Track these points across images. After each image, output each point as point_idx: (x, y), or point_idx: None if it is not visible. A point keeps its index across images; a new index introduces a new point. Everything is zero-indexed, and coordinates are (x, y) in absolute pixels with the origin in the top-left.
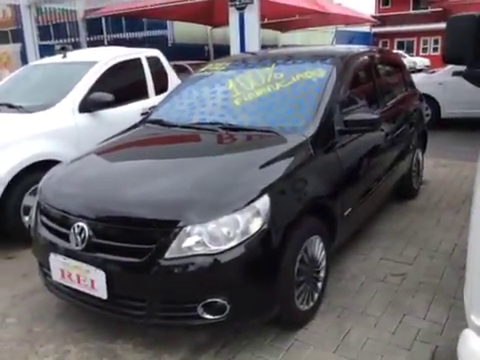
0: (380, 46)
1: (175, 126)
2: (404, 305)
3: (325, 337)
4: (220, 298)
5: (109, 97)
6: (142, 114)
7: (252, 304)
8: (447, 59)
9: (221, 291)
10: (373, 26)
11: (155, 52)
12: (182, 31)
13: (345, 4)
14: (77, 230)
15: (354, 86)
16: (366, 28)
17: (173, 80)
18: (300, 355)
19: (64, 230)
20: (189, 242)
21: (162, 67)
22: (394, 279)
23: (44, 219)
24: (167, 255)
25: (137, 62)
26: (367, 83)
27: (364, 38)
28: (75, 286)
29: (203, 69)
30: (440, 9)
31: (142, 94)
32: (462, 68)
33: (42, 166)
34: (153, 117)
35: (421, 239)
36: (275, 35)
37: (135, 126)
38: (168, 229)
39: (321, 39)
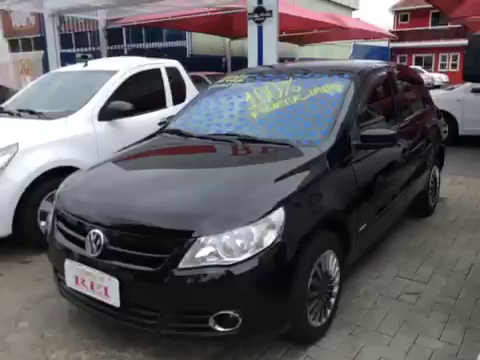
0: (398, 61)
1: (192, 136)
2: (418, 325)
3: (337, 355)
4: (232, 311)
5: (128, 106)
6: (160, 123)
7: (264, 318)
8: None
9: (233, 303)
10: (391, 41)
11: (174, 63)
12: (200, 42)
13: (363, 19)
14: (93, 237)
15: (372, 101)
16: (384, 43)
17: (191, 91)
18: None
19: (80, 237)
20: (203, 253)
21: (180, 78)
22: (408, 298)
23: (60, 225)
24: (181, 265)
25: (156, 72)
26: (385, 98)
27: (382, 53)
28: (88, 293)
29: (221, 81)
30: (459, 26)
31: (160, 104)
32: None
33: (60, 172)
34: (171, 127)
35: (437, 257)
36: (293, 48)
37: (153, 135)
38: (182, 239)
39: (339, 53)
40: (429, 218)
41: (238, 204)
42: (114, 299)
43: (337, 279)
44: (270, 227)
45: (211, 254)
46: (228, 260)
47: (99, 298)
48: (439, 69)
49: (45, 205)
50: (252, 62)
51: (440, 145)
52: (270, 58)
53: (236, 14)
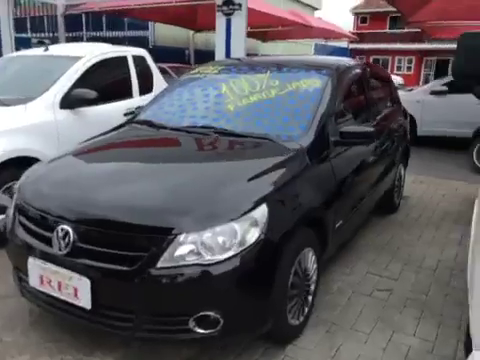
0: None
1: (165, 128)
2: (393, 321)
3: (316, 353)
4: (213, 311)
5: (92, 94)
6: (125, 114)
7: (246, 318)
8: (456, 76)
9: (215, 304)
10: (351, 42)
11: (141, 51)
12: (164, 33)
13: (325, 19)
14: (61, 233)
15: (347, 98)
16: (344, 44)
17: (158, 81)
18: None
19: (46, 233)
20: (183, 251)
21: (148, 67)
22: (381, 294)
23: (23, 220)
24: (159, 264)
25: (123, 60)
26: (359, 96)
27: (342, 53)
28: (55, 294)
29: (194, 71)
30: (415, 30)
31: (126, 93)
32: (441, 88)
33: (19, 163)
34: (141, 117)
35: (404, 254)
36: (256, 44)
37: (121, 126)
38: (161, 236)
39: (301, 51)
40: (394, 215)
41: (220, 200)
42: (85, 301)
43: (314, 277)
44: (253, 224)
45: (191, 252)
46: (210, 259)
47: (67, 299)
48: (395, 71)
49: (1, 198)
50: (219, 55)
51: (406, 144)
52: (238, 52)
53: (201, 6)
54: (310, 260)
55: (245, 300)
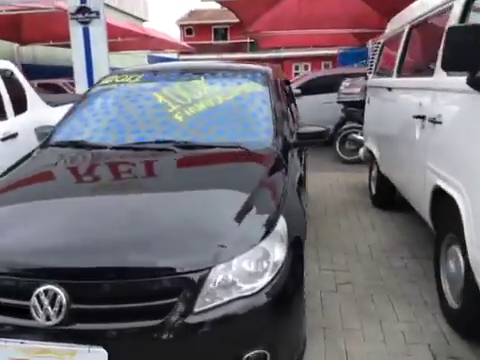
0: None
1: (103, 147)
2: (372, 312)
3: None
4: (261, 348)
5: None
6: (3, 139)
7: (288, 344)
8: (448, 67)
9: (262, 338)
10: (180, 53)
11: (8, 64)
12: None
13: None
14: (45, 297)
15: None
16: (174, 55)
17: (32, 98)
18: None
19: (17, 301)
20: (219, 286)
21: (17, 82)
22: (345, 288)
23: None
24: (196, 308)
25: None
26: (285, 99)
27: None
28: None
29: (105, 82)
30: (236, 41)
31: None
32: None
33: None
34: (60, 138)
35: (338, 245)
36: None
37: (34, 152)
38: (191, 275)
39: (135, 62)
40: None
41: (240, 222)
42: None
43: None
44: (279, 240)
45: (227, 286)
46: (249, 287)
47: None
48: None
49: None
50: (79, 69)
51: None
52: (101, 64)
53: (27, 16)
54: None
55: (287, 324)
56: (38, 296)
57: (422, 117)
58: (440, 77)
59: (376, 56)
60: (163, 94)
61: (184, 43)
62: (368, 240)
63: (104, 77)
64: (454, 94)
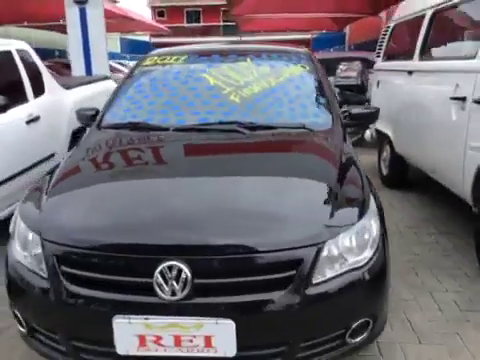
0: None
1: (165, 129)
2: (419, 284)
3: (398, 334)
4: (367, 316)
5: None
6: (27, 122)
7: (384, 312)
8: None
9: (368, 307)
10: (152, 36)
11: (24, 44)
12: None
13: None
14: (171, 274)
15: None
16: (146, 38)
17: (49, 81)
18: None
19: (140, 279)
20: (331, 260)
21: (35, 64)
22: None
23: (83, 274)
24: (314, 280)
25: (8, 56)
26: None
27: (144, 47)
28: (168, 353)
29: (147, 62)
30: (210, 24)
31: (20, 98)
32: None
33: None
34: (117, 120)
35: None
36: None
37: (90, 135)
38: (308, 249)
39: (110, 45)
40: None
41: (339, 200)
42: (225, 348)
43: None
44: (374, 216)
45: (338, 260)
46: (355, 261)
47: (192, 355)
48: None
49: None
50: (75, 52)
51: None
52: (99, 48)
53: None
54: None
55: (384, 293)
56: (162, 273)
57: (462, 98)
58: None
59: (385, 40)
60: (213, 75)
61: (162, 26)
62: (391, 218)
63: (145, 57)
64: None
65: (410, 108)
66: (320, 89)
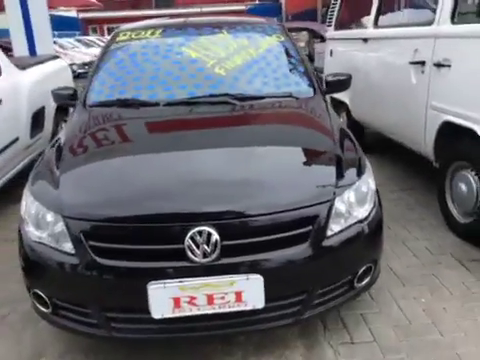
0: (90, 32)
1: (155, 105)
2: (393, 235)
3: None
4: (369, 262)
5: None
6: None
7: (380, 257)
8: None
9: (372, 254)
10: (79, 11)
11: None
12: None
13: None
14: (201, 238)
15: None
16: (73, 13)
17: (4, 62)
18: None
19: (172, 246)
20: (339, 214)
21: None
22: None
23: (113, 246)
24: (328, 233)
25: None
26: None
27: (71, 24)
28: (201, 312)
29: (122, 38)
30: None
31: None
32: None
33: None
34: (103, 98)
35: None
36: None
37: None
38: (321, 206)
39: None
40: None
41: (340, 159)
42: (255, 301)
43: None
44: (371, 173)
45: (345, 214)
46: (358, 214)
47: (224, 310)
48: None
49: None
50: (16, 29)
51: None
52: (42, 24)
53: None
54: None
55: (381, 240)
56: (192, 238)
57: (422, 63)
58: (446, 27)
59: (336, 10)
60: (193, 49)
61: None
62: None
63: (117, 32)
64: (463, 40)
65: (367, 74)
66: (298, 59)
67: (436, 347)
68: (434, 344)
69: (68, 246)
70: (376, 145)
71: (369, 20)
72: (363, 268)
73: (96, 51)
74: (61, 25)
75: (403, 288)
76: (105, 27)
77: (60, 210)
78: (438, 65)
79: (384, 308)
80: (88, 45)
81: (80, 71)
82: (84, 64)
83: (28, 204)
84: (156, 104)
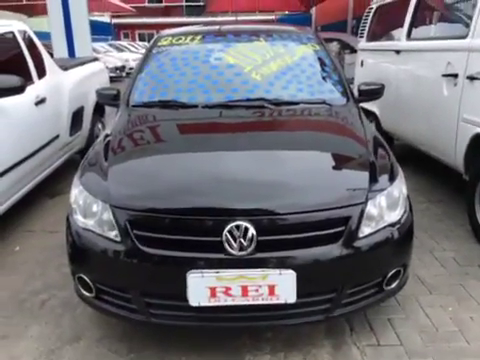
0: (122, 37)
1: (193, 107)
2: (419, 245)
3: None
4: (398, 266)
5: (15, 81)
6: (36, 104)
7: (409, 262)
8: None
9: (401, 258)
10: (113, 17)
11: (23, 25)
12: None
13: None
14: (238, 232)
15: None
16: (106, 19)
17: (49, 62)
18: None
19: (211, 238)
20: (372, 217)
21: (35, 45)
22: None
23: (156, 235)
24: (360, 234)
25: (11, 38)
26: None
27: (103, 28)
28: (235, 302)
29: (163, 43)
30: (171, 5)
31: (27, 79)
32: None
33: None
34: (146, 99)
35: None
36: (20, 19)
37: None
38: (355, 207)
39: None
40: None
41: (373, 164)
42: (286, 295)
43: None
44: (403, 179)
45: (377, 217)
46: (391, 218)
47: (257, 302)
48: None
49: None
50: (57, 32)
51: None
52: (82, 28)
53: None
54: None
55: (411, 245)
56: (230, 231)
57: (454, 75)
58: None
59: (368, 21)
60: (231, 55)
61: (127, 6)
62: None
63: (158, 38)
64: None
65: (398, 85)
66: (333, 67)
67: (462, 354)
68: (460, 351)
69: (114, 233)
70: (404, 157)
71: (402, 32)
72: (392, 271)
73: (127, 56)
74: (94, 29)
75: (430, 296)
76: (137, 33)
77: (108, 200)
78: (471, 78)
79: (411, 314)
80: (120, 50)
81: (112, 75)
82: (116, 68)
83: (77, 194)
84: (195, 106)
